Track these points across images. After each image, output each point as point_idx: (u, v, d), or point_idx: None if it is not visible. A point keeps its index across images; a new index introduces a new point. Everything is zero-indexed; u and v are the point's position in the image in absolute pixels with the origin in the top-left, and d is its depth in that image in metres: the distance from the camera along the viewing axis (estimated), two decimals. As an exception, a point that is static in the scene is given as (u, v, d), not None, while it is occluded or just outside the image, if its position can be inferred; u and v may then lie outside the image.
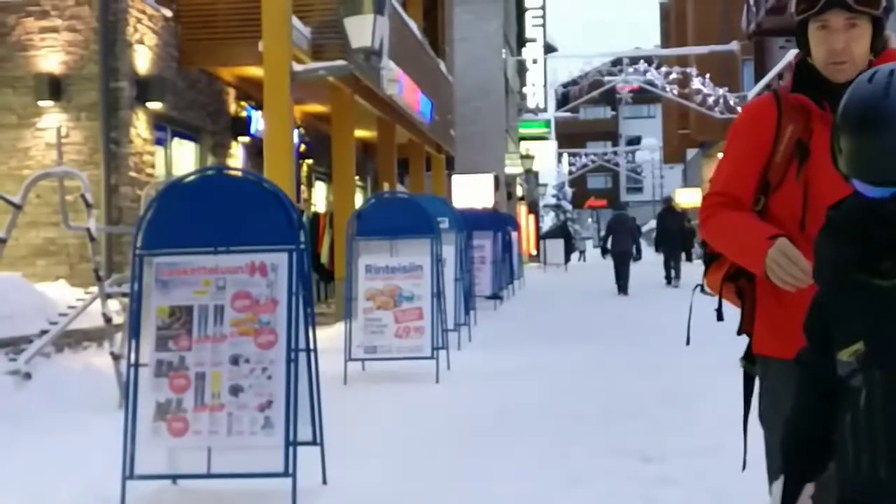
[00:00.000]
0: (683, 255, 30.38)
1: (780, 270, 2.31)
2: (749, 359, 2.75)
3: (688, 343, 3.09)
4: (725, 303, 2.79)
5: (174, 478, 4.87)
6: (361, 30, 10.07)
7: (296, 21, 11.22)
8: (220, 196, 4.99)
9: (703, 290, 2.85)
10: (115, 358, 6.74)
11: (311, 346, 5.04)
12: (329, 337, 9.45)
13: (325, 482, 5.12)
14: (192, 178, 5.17)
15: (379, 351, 8.54)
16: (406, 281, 8.55)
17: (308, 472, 4.86)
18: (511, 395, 7.75)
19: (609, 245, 18.97)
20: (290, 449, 4.65)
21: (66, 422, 6.27)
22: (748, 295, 2.64)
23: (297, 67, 10.66)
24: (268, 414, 4.70)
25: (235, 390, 4.73)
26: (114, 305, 7.49)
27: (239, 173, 5.43)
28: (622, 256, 18.57)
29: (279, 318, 4.79)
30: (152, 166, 11.46)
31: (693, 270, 26.76)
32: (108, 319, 6.89)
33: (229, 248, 4.89)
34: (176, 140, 12.76)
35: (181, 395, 4.72)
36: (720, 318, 2.79)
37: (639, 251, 19.04)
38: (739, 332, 2.72)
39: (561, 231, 32.94)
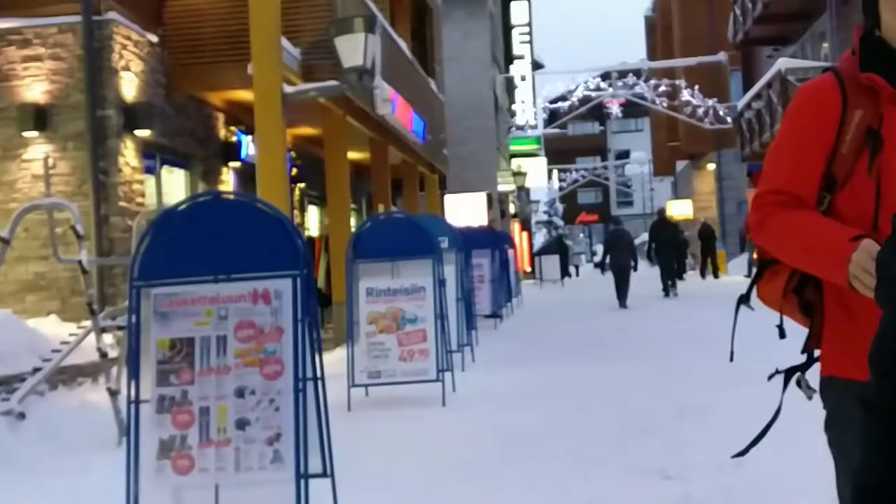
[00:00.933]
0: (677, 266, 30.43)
1: (870, 278, 1.96)
2: (801, 377, 2.45)
3: (731, 360, 2.81)
4: (748, 315, 2.48)
5: (180, 519, 4.63)
6: (353, 49, 9.90)
7: (285, 42, 11.06)
8: (218, 222, 4.78)
9: (746, 302, 2.54)
10: (112, 393, 6.52)
11: (319, 375, 4.83)
12: (330, 363, 9.13)
13: (337, 516, 4.90)
14: (187, 204, 4.96)
15: (383, 375, 8.32)
16: (409, 303, 8.34)
17: (318, 508, 4.64)
18: (521, 416, 7.54)
19: (608, 260, 19.07)
20: (302, 482, 4.43)
21: (64, 463, 6.04)
22: (818, 308, 2.31)
23: (289, 89, 10.49)
24: (277, 447, 4.47)
25: (242, 424, 4.50)
26: (108, 339, 7.26)
27: (235, 197, 5.23)
28: (622, 271, 18.63)
29: (285, 346, 4.57)
30: (142, 195, 11.25)
31: (688, 282, 26.74)
32: (103, 354, 6.66)
33: (230, 276, 4.67)
34: (165, 168, 12.56)
35: (185, 431, 4.49)
36: (782, 335, 2.47)
37: (636, 264, 19.11)
38: (804, 351, 2.42)
39: (557, 246, 32.86)
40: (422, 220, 9.21)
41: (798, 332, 2.48)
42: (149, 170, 11.86)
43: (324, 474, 4.91)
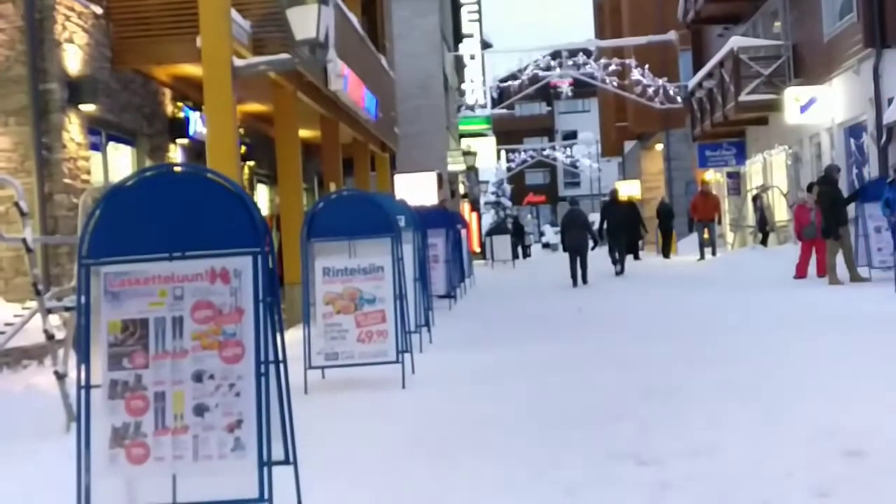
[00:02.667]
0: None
1: None
2: None
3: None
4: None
5: (135, 511, 4.38)
6: (305, 21, 9.58)
7: (235, 14, 10.69)
8: (172, 197, 4.51)
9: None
10: (60, 377, 6.21)
11: (281, 358, 4.60)
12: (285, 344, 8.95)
13: (299, 503, 4.69)
14: (138, 177, 4.66)
15: (341, 357, 8.08)
16: (367, 283, 8.10)
17: (281, 494, 4.42)
18: (485, 399, 7.36)
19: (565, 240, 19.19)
20: (265, 471, 4.21)
21: (10, 450, 5.72)
22: None
23: (239, 63, 10.15)
24: (238, 434, 4.24)
25: (201, 410, 4.26)
26: (54, 321, 6.94)
27: (190, 171, 4.95)
28: (579, 250, 18.78)
29: (245, 328, 4.33)
30: (88, 172, 10.85)
31: (644, 262, 26.78)
32: (50, 336, 6.34)
33: (185, 254, 4.42)
34: (111, 144, 12.14)
35: (140, 418, 4.24)
36: None
37: (595, 243, 19.33)
38: None
39: (514, 227, 32.78)
40: (378, 199, 8.97)
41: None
42: (94, 146, 11.45)
43: (286, 461, 4.69)
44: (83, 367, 4.27)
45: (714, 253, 25.50)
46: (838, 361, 7.85)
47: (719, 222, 25.65)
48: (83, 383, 4.25)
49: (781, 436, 5.61)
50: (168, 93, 13.32)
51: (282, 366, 4.60)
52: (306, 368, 7.98)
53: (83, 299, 4.38)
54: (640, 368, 8.29)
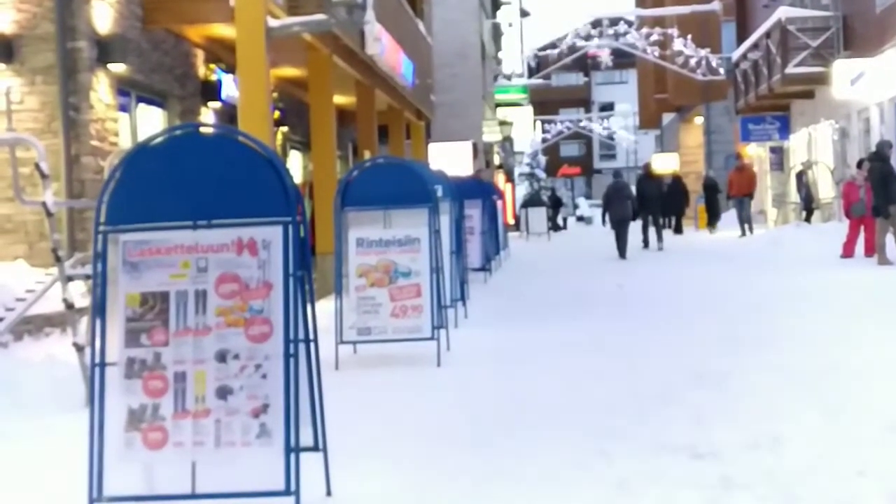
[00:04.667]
0: (665, 221, 29.93)
1: None
2: None
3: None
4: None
5: (151, 500, 4.05)
6: (343, -20, 9.20)
7: (270, -27, 10.31)
8: (198, 160, 4.16)
9: None
10: (79, 349, 5.92)
11: (312, 337, 4.25)
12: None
13: (329, 493, 4.36)
14: (164, 137, 4.31)
15: (373, 332, 7.74)
16: (402, 255, 7.74)
17: (308, 483, 4.09)
18: (523, 380, 7.00)
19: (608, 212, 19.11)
20: (292, 459, 3.87)
21: (25, 425, 5.46)
22: None
23: (273, 23, 9.77)
24: (263, 420, 3.91)
25: (224, 392, 3.94)
26: (77, 288, 6.64)
27: (218, 132, 4.59)
28: (622, 223, 18.67)
29: (274, 304, 3.99)
30: (116, 134, 10.54)
31: (684, 237, 26.23)
32: (69, 305, 6.05)
33: (211, 223, 4.08)
34: (141, 106, 11.82)
35: (158, 400, 3.92)
36: None
37: (636, 215, 19.28)
38: None
39: (551, 199, 32.38)
40: (416, 167, 8.58)
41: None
42: (123, 108, 11.14)
43: (315, 448, 4.37)
44: (98, 344, 3.94)
45: (751, 230, 24.95)
46: (893, 348, 7.40)
47: (752, 198, 24.98)
48: (98, 361, 3.93)
49: (846, 428, 5.21)
50: (200, 54, 12.97)
51: (312, 345, 4.27)
52: (337, 343, 7.66)
53: (99, 269, 4.05)
54: (687, 350, 7.88)
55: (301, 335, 4.12)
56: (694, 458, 4.82)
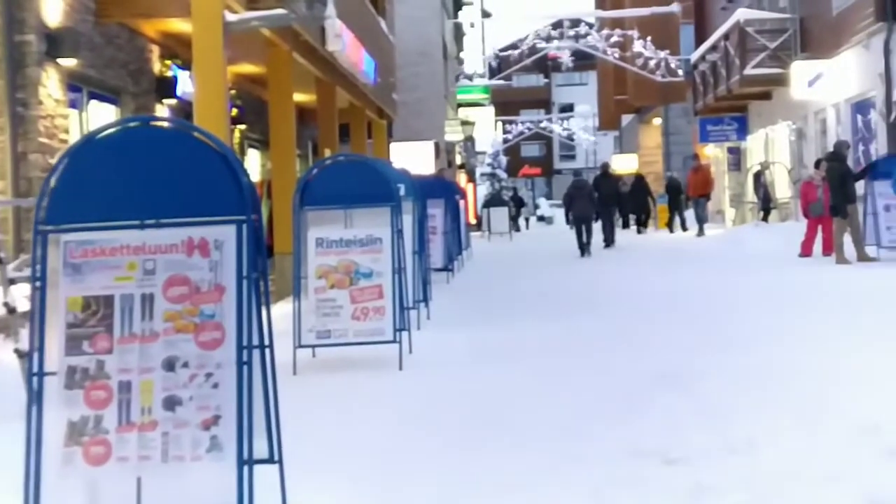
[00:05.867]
0: (621, 221, 30.08)
1: None
2: None
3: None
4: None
5: (95, 517, 3.80)
6: (303, -27, 8.95)
7: (227, -34, 10.02)
8: (147, 155, 3.91)
9: None
10: (21, 355, 5.62)
11: (267, 342, 4.02)
12: (273, 320, 8.37)
13: (285, 509, 4.14)
14: (111, 131, 4.05)
15: (333, 335, 7.50)
16: (364, 256, 7.51)
17: (263, 497, 3.86)
18: (489, 383, 6.80)
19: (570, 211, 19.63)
20: (245, 473, 3.64)
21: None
22: None
23: (231, 17, 9.50)
24: (215, 432, 3.67)
25: (172, 403, 3.69)
26: (21, 292, 6.33)
27: (169, 125, 4.34)
28: (584, 221, 19.21)
29: (226, 308, 3.75)
30: (66, 131, 10.18)
31: (643, 236, 26.29)
32: (10, 309, 5.76)
33: (160, 221, 3.83)
34: (93, 102, 11.47)
35: (101, 412, 3.66)
36: None
37: (597, 215, 19.96)
38: None
39: (513, 199, 32.37)
40: (378, 165, 8.36)
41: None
42: (73, 104, 10.79)
43: (270, 460, 4.13)
44: (37, 351, 3.68)
45: (684, 228, 25.83)
46: (864, 347, 7.30)
47: (709, 198, 25.28)
48: (36, 370, 3.67)
49: (819, 431, 5.07)
50: (156, 49, 12.64)
51: (268, 351, 4.03)
52: (296, 347, 7.41)
53: (38, 271, 3.78)
54: (655, 351, 7.73)
55: (255, 341, 3.88)
56: (666, 463, 4.66)
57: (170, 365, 3.72)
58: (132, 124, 4.16)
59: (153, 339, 3.73)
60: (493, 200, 30.93)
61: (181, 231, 3.82)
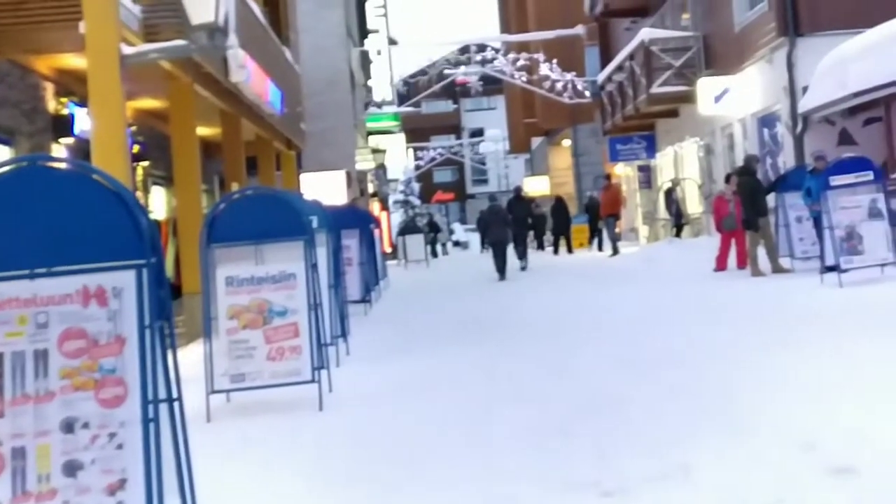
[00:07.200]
0: (536, 243, 30.31)
1: None
2: None
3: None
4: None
5: None
6: (202, 3, 8.63)
7: (122, -2, 9.66)
8: (37, 197, 3.60)
9: None
10: None
11: (175, 395, 3.72)
12: (184, 365, 7.99)
13: (203, 572, 3.83)
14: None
15: (248, 379, 7.17)
16: (277, 293, 7.21)
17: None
18: (412, 420, 6.56)
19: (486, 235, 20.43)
20: (156, 540, 3.34)
21: None
22: None
23: (128, 50, 9.14)
24: (121, 498, 3.38)
25: (72, 468, 3.38)
26: None
27: (63, 165, 4.02)
28: (501, 244, 19.41)
29: (128, 361, 3.47)
30: (-43, 175, 9.65)
31: (543, 258, 26.43)
32: None
33: (51, 270, 3.52)
34: (-15, 144, 10.95)
35: (-8, 482, 3.33)
36: None
37: (513, 237, 20.59)
38: None
39: (429, 225, 32.24)
40: (289, 198, 8.08)
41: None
42: (-37, 146, 10.27)
43: (185, 520, 3.84)
44: (-84, 420, 3.33)
45: (599, 248, 26.50)
46: (789, 360, 7.28)
47: (618, 217, 25.73)
48: (-85, 440, 3.32)
49: (757, 451, 4.96)
50: (50, 87, 12.15)
51: (177, 405, 3.74)
52: (209, 393, 7.07)
53: (-84, 331, 3.43)
54: (580, 375, 7.60)
55: (163, 394, 3.59)
56: (603, 495, 4.49)
57: (68, 426, 3.41)
58: (20, 164, 3.84)
59: (49, 399, 3.42)
60: (407, 228, 30.77)
61: (76, 279, 3.53)
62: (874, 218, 11.81)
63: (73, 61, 11.20)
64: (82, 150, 11.93)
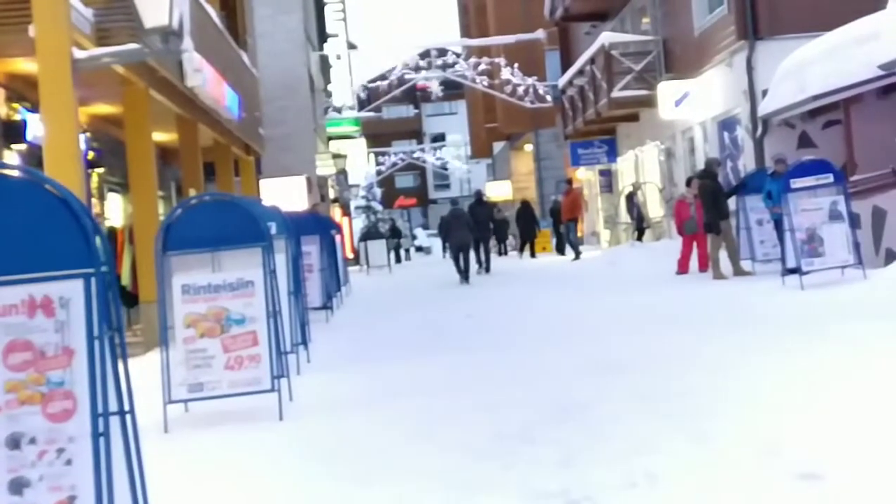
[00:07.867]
0: (499, 246, 30.33)
1: None
2: None
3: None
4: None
5: None
6: (156, 6, 8.47)
7: (74, 1, 9.46)
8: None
9: None
10: None
11: (127, 407, 3.59)
12: (140, 374, 7.80)
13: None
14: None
15: (206, 388, 7.01)
16: (234, 301, 7.06)
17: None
18: (376, 427, 6.45)
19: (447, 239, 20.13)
20: (107, 559, 3.21)
21: None
22: None
23: (80, 55, 8.95)
24: (70, 516, 3.22)
25: (19, 486, 3.24)
26: None
27: (9, 172, 3.87)
28: (463, 248, 19.54)
29: (77, 374, 3.34)
30: None
31: (508, 262, 26.41)
32: None
33: (-5, 279, 3.37)
34: (-66, 152, 10.67)
35: (-68, 503, 3.18)
36: None
37: (476, 241, 20.68)
38: None
39: (391, 231, 32.16)
40: (246, 204, 7.93)
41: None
42: (-90, 154, 9.99)
43: (138, 538, 3.70)
44: None
45: (561, 252, 26.75)
46: (752, 363, 7.26)
47: (577, 221, 25.96)
48: None
49: (722, 455, 4.91)
50: (1, 92, 11.86)
51: (129, 417, 3.60)
52: (166, 403, 6.90)
53: None
54: (543, 380, 7.53)
55: (114, 407, 3.46)
56: (569, 505, 4.41)
57: (14, 442, 3.27)
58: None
59: (-8, 415, 3.27)
60: (369, 233, 30.62)
61: (20, 289, 3.39)
62: (834, 220, 11.88)
63: (24, 66, 10.95)
64: (35, 156, 11.68)
